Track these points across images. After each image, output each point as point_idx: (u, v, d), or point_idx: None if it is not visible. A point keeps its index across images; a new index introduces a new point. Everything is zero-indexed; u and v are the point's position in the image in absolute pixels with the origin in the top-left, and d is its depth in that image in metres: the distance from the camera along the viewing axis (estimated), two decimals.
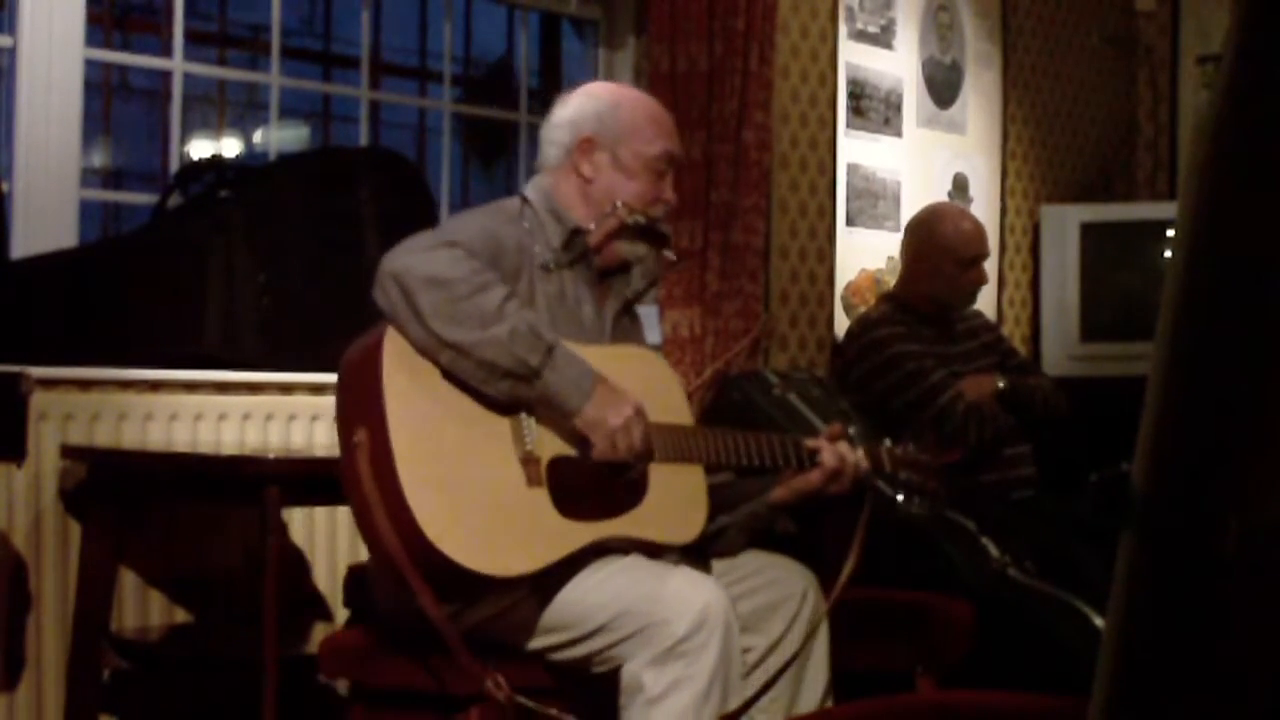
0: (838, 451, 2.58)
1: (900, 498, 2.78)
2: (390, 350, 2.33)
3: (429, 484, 2.28)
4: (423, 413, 2.32)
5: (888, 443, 2.72)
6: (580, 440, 2.39)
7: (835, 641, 2.62)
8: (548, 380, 2.32)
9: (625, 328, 2.69)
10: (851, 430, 2.71)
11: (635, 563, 2.39)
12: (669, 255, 2.76)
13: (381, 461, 2.27)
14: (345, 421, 2.36)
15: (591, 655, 2.35)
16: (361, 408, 2.32)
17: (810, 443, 2.60)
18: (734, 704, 2.30)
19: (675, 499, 2.49)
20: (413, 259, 2.32)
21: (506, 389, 2.33)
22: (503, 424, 2.37)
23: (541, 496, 2.36)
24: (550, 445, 2.40)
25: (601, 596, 2.33)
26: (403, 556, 2.24)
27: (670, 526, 2.47)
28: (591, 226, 2.57)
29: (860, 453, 2.61)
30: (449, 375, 2.33)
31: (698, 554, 2.53)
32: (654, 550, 2.44)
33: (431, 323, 2.29)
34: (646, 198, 2.61)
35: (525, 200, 2.62)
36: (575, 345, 2.43)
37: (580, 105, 2.65)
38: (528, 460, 2.36)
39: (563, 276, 2.55)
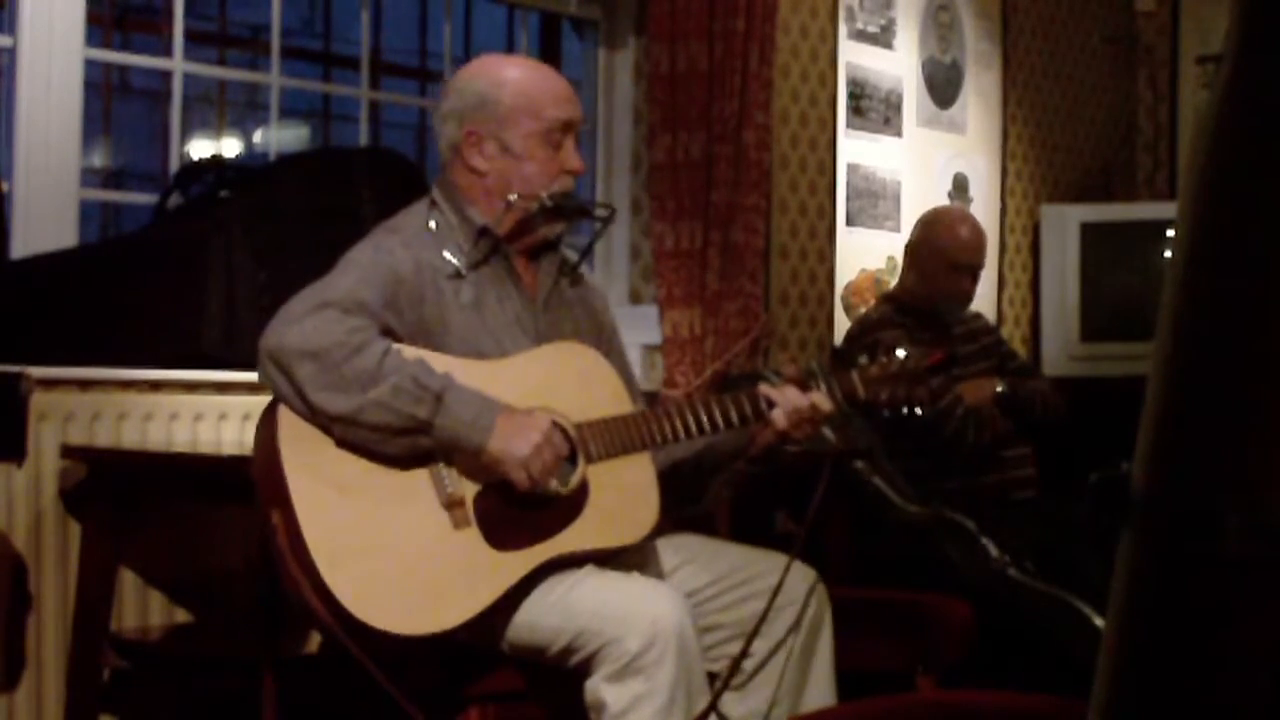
0: (789, 399, 2.48)
1: (888, 414, 2.61)
2: (285, 427, 2.30)
3: (347, 558, 2.25)
4: (329, 486, 2.29)
5: (863, 360, 2.60)
6: (498, 475, 2.34)
7: (835, 641, 2.61)
8: (441, 427, 2.27)
9: (566, 299, 2.60)
10: (814, 365, 2.60)
11: (588, 578, 2.35)
12: (600, 213, 2.69)
13: (297, 544, 2.25)
14: (261, 506, 2.33)
15: (563, 669, 2.34)
16: (269, 491, 2.30)
17: (764, 390, 2.50)
18: (699, 708, 2.28)
19: (621, 497, 2.42)
20: (285, 333, 2.27)
21: (406, 445, 2.29)
22: (420, 474, 2.33)
23: (472, 536, 2.32)
24: (472, 483, 2.35)
25: (556, 619, 2.31)
26: (338, 631, 2.23)
27: (618, 528, 2.41)
28: (494, 222, 2.48)
29: (819, 394, 2.50)
30: (349, 443, 2.30)
31: (653, 555, 2.50)
32: (608, 555, 2.40)
33: (313, 397, 2.25)
34: (547, 176, 2.50)
35: (434, 201, 2.54)
36: (489, 363, 2.38)
37: (460, 94, 2.53)
38: (452, 503, 2.32)
39: (479, 276, 2.48)
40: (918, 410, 2.57)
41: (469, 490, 2.34)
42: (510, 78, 2.53)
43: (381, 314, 2.34)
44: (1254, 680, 0.86)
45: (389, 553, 2.28)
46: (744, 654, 2.46)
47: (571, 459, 2.39)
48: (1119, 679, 0.91)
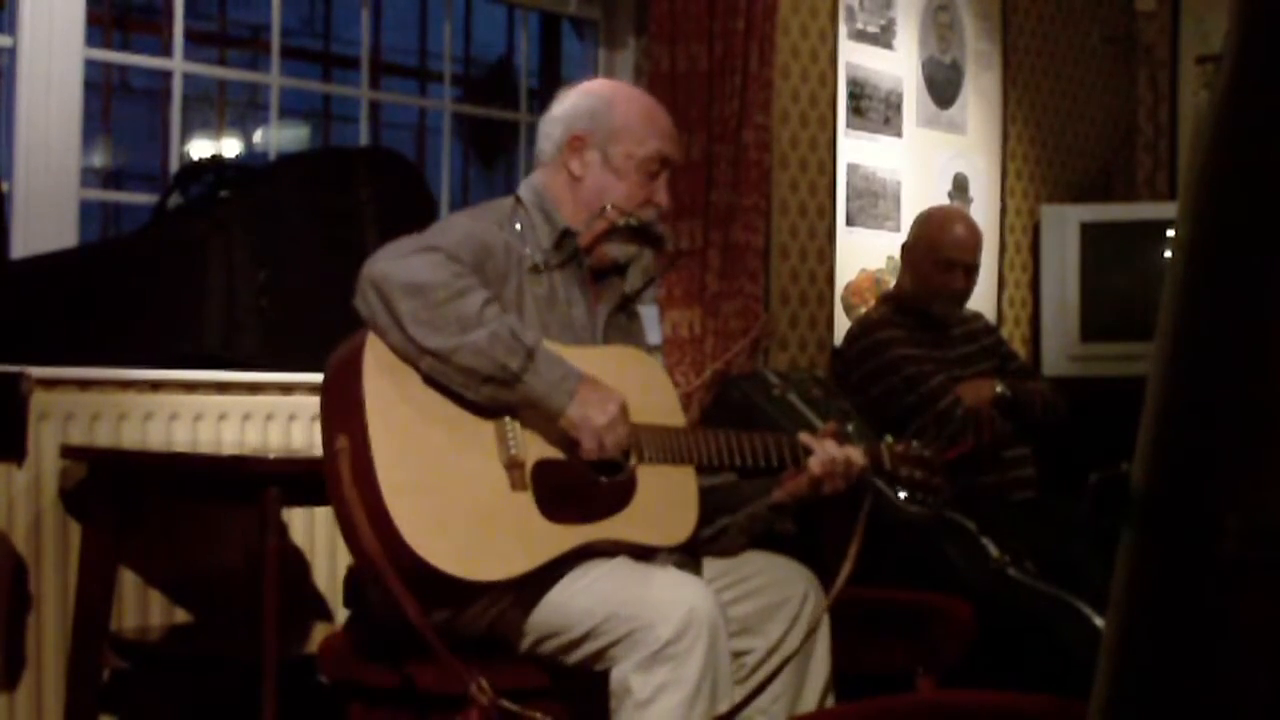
0: (827, 451, 2.56)
1: (903, 495, 2.74)
2: (371, 356, 2.33)
3: (410, 490, 2.28)
4: (404, 419, 2.32)
5: (889, 439, 2.71)
6: (567, 443, 2.38)
7: (835, 641, 2.61)
8: (529, 383, 2.31)
9: (621, 327, 2.67)
10: (850, 427, 2.69)
11: (621, 566, 2.38)
12: (667, 250, 2.75)
13: (362, 468, 2.27)
14: (328, 428, 2.36)
15: (583, 658, 2.35)
16: (343, 414, 2.32)
17: (804, 438, 2.59)
18: (724, 706, 2.29)
19: (665, 500, 2.47)
20: (392, 265, 2.31)
21: (489, 393, 2.32)
22: (486, 428, 2.36)
23: (526, 500, 2.35)
24: (535, 449, 2.39)
25: (587, 601, 2.33)
26: (385, 563, 2.24)
27: (659, 528, 2.46)
28: (581, 228, 2.56)
29: (855, 450, 2.59)
30: (431, 381, 2.33)
31: (688, 555, 2.52)
32: (642, 552, 2.43)
33: (411, 329, 2.28)
34: (636, 199, 2.59)
35: (519, 200, 2.61)
36: (563, 347, 2.42)
37: (575, 102, 2.63)
38: (512, 464, 2.35)
39: (553, 277, 2.54)
40: (929, 501, 2.68)
41: (530, 455, 2.38)
42: (629, 97, 2.67)
43: (475, 275, 2.38)
44: (1254, 680, 0.86)
45: (449, 495, 2.31)
46: (773, 677, 2.48)
47: (624, 455, 2.43)
48: (1119, 679, 0.91)
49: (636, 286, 2.70)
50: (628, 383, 2.47)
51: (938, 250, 3.96)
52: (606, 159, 2.58)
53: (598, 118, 2.60)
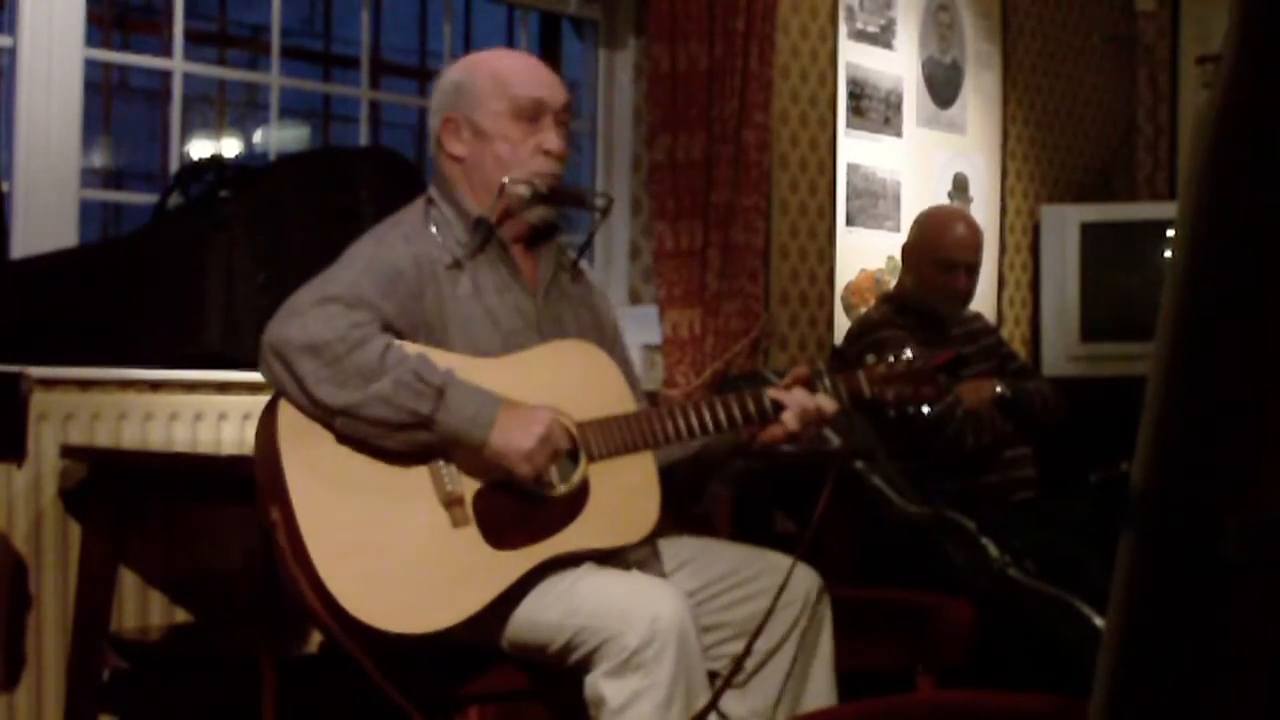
0: (797, 400, 2.48)
1: (909, 410, 2.60)
2: (285, 424, 2.30)
3: (343, 554, 2.25)
4: (328, 482, 2.29)
5: (870, 359, 2.61)
6: (503, 469, 2.34)
7: (836, 642, 2.61)
8: (443, 423, 2.27)
9: (566, 292, 2.60)
10: (820, 366, 2.60)
11: (587, 575, 2.35)
12: (598, 203, 2.67)
13: (294, 538, 2.25)
14: (260, 503, 2.33)
15: (563, 667, 2.34)
16: (269, 486, 2.30)
17: (771, 392, 2.51)
18: (700, 706, 2.28)
19: (622, 496, 2.42)
20: (287, 328, 2.28)
21: (406, 440, 2.29)
22: (420, 472, 2.33)
23: (471, 534, 2.32)
24: (471, 481, 2.35)
25: (556, 615, 2.31)
26: (336, 630, 2.23)
27: (618, 528, 2.41)
28: (488, 212, 2.48)
29: (825, 398, 2.50)
30: (349, 438, 2.30)
31: (654, 554, 2.49)
32: (608, 554, 2.41)
33: (315, 391, 2.26)
34: (520, 155, 2.49)
35: (430, 199, 2.54)
36: (489, 362, 2.38)
37: (440, 87, 2.57)
38: (451, 501, 2.32)
39: (476, 268, 2.47)
40: (924, 409, 2.57)
41: (469, 488, 2.34)
42: (482, 62, 2.56)
43: (383, 308, 2.35)
44: (1254, 680, 0.86)
45: (387, 551, 2.28)
46: (747, 653, 2.45)
47: (573, 457, 2.39)
48: (1119, 679, 0.91)
49: (576, 249, 2.64)
50: (569, 378, 2.43)
51: (939, 251, 3.96)
52: (477, 129, 2.50)
53: (460, 92, 2.52)
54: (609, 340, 2.65)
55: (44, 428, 3.01)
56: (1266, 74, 0.87)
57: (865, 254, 4.75)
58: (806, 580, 2.57)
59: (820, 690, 2.56)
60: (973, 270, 4.01)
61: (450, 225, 2.50)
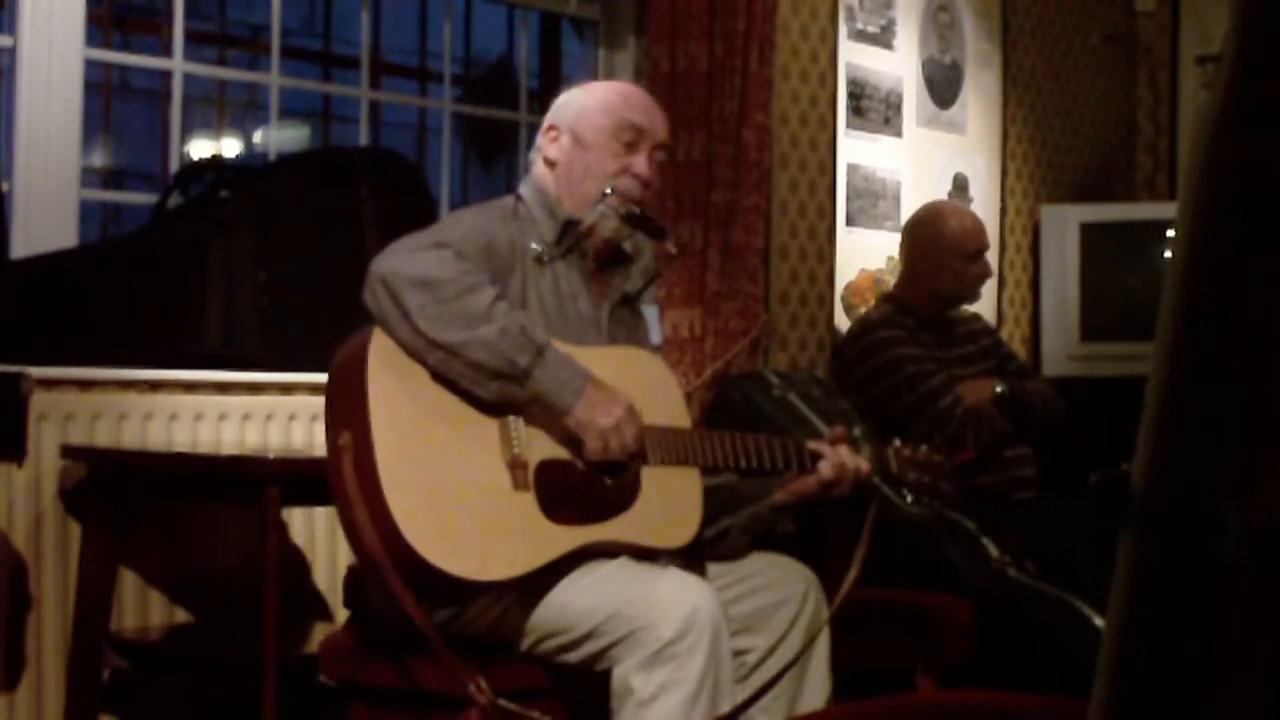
0: (838, 456, 2.57)
1: (909, 499, 2.76)
2: (376, 353, 2.33)
3: (411, 488, 2.28)
4: (408, 416, 2.32)
5: (896, 443, 2.72)
6: (571, 442, 2.39)
7: (835, 641, 2.61)
8: (538, 380, 2.31)
9: (625, 322, 2.67)
10: (856, 432, 2.69)
11: (624, 565, 2.38)
12: (669, 248, 2.76)
13: (365, 465, 2.27)
14: (331, 424, 2.35)
15: (584, 658, 2.35)
16: (346, 410, 2.32)
17: (812, 445, 2.59)
18: (725, 706, 2.29)
19: (669, 502, 2.47)
20: (401, 261, 2.32)
21: (496, 390, 2.32)
22: (490, 426, 2.36)
23: (528, 500, 2.35)
24: (539, 448, 2.38)
25: (590, 600, 2.33)
26: (385, 560, 2.24)
27: (662, 530, 2.45)
28: (581, 216, 2.57)
29: (861, 456, 2.61)
30: (437, 377, 2.33)
31: (691, 556, 2.52)
32: (644, 554, 2.43)
33: (420, 323, 2.29)
34: (609, 169, 2.58)
35: (519, 198, 2.62)
36: (570, 347, 2.42)
37: (556, 103, 2.70)
38: (515, 463, 2.35)
39: (557, 269, 2.55)
40: (934, 505, 2.70)
41: (534, 454, 2.37)
42: (600, 86, 2.74)
43: (484, 270, 2.39)
44: (1254, 681, 0.86)
45: (451, 494, 2.30)
46: (779, 677, 2.47)
47: (631, 455, 2.43)
48: (1119, 679, 0.91)
49: (639, 286, 2.70)
50: (634, 383, 2.47)
51: (961, 245, 3.97)
52: (576, 138, 2.61)
53: (572, 106, 2.65)
54: None
55: (44, 428, 3.01)
56: (1266, 74, 0.87)
57: (865, 254, 4.75)
58: (803, 580, 2.58)
59: (819, 690, 2.56)
60: (986, 254, 4.06)
61: (537, 225, 2.57)
